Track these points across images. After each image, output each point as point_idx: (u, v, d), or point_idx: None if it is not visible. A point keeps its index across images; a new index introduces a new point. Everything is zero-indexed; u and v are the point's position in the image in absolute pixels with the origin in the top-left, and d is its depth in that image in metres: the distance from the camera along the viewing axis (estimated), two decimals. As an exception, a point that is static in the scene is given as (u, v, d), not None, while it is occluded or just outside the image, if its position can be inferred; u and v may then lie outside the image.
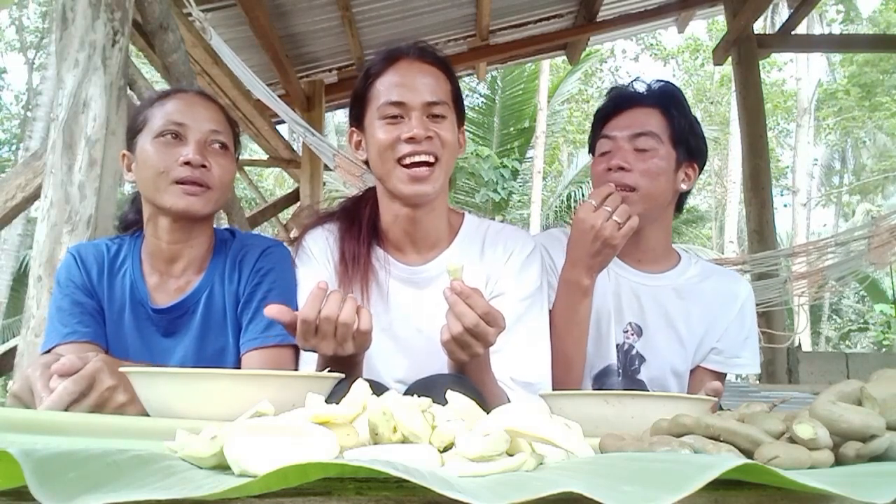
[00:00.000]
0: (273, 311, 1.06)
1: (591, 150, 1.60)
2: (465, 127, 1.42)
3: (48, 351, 1.31)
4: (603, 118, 1.56)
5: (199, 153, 1.31)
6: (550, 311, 1.43)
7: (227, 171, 1.36)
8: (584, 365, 1.46)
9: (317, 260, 1.39)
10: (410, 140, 1.27)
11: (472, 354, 1.10)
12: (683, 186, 1.54)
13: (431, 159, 1.29)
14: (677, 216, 1.66)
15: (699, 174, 1.58)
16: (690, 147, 1.53)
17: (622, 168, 1.46)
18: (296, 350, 1.32)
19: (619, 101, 1.55)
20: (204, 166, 1.31)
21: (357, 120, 1.38)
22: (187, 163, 1.30)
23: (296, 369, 1.32)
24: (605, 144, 1.52)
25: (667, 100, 1.53)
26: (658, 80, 1.59)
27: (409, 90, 1.29)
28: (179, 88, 1.47)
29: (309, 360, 1.27)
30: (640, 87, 1.57)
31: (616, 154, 1.48)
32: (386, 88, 1.31)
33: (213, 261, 1.40)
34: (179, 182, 1.30)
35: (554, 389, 1.33)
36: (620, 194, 1.38)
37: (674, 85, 1.60)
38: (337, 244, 1.39)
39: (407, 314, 1.36)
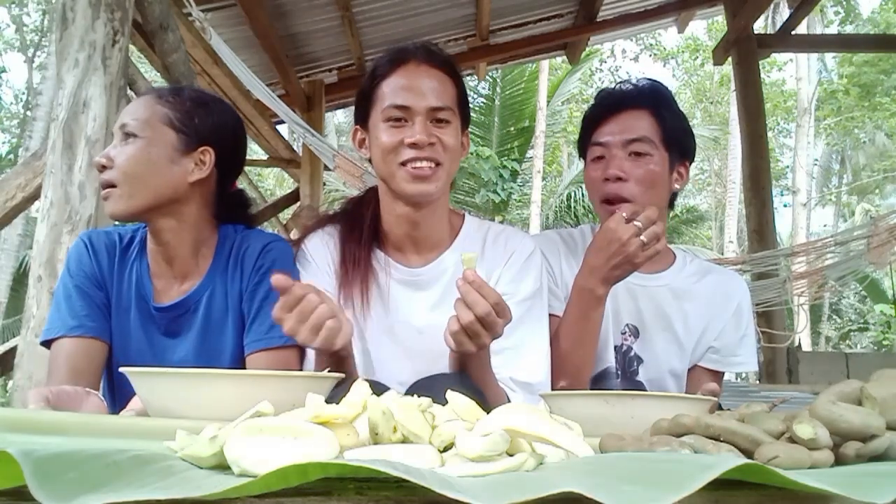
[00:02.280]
0: (280, 280, 1.06)
1: (582, 154, 1.59)
2: (468, 129, 1.42)
3: (52, 340, 1.30)
4: (593, 122, 1.53)
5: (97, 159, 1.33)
6: (561, 316, 1.43)
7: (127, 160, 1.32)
8: (591, 372, 1.46)
9: (317, 265, 1.39)
10: (413, 146, 1.27)
11: (480, 345, 1.12)
12: (677, 186, 1.53)
13: (433, 165, 1.29)
14: (670, 213, 1.65)
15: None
16: (682, 146, 1.52)
17: (619, 178, 1.44)
18: (300, 350, 1.32)
19: (609, 105, 1.52)
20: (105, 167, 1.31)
21: (362, 119, 1.38)
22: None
23: (300, 370, 1.31)
24: (597, 150, 1.50)
25: (656, 101, 1.51)
26: (645, 79, 1.57)
27: (414, 94, 1.29)
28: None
29: (313, 361, 1.27)
30: (628, 88, 1.54)
31: (611, 162, 1.46)
32: (392, 91, 1.31)
33: (216, 259, 1.39)
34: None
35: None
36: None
37: (661, 83, 1.58)
38: (337, 248, 1.39)
39: (407, 316, 1.36)
